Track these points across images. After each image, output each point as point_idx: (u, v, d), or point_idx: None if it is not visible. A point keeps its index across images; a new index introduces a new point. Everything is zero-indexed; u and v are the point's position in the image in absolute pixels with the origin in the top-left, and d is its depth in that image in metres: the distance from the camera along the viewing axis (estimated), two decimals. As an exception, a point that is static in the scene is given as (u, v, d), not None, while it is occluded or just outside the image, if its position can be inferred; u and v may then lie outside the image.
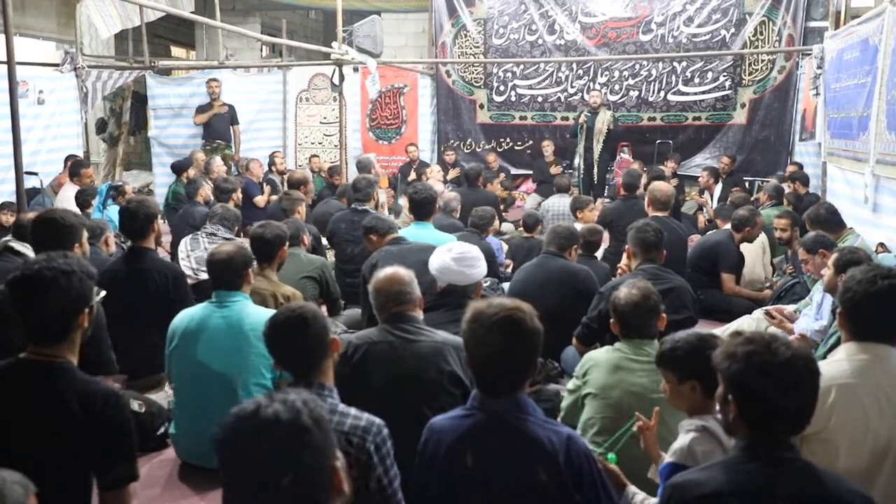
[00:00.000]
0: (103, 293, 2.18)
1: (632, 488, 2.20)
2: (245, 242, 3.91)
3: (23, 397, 1.96)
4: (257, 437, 1.25)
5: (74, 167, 6.91)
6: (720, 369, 1.68)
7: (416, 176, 9.81)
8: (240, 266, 3.14)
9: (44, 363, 1.99)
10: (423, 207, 4.87)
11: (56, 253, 2.07)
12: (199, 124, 9.18)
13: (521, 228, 6.57)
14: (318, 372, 2.15)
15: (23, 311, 1.99)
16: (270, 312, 3.18)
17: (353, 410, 2.09)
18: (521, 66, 10.86)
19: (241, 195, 6.39)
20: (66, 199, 6.34)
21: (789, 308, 4.42)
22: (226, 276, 3.13)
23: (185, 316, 3.17)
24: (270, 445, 1.25)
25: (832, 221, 4.61)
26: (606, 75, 10.61)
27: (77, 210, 5.93)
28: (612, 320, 2.82)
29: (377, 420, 2.08)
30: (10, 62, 4.21)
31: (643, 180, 7.26)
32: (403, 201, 7.06)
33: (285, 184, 7.57)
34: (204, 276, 4.47)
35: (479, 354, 1.95)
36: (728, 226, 5.54)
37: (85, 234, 3.37)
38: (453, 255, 3.27)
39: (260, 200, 7.66)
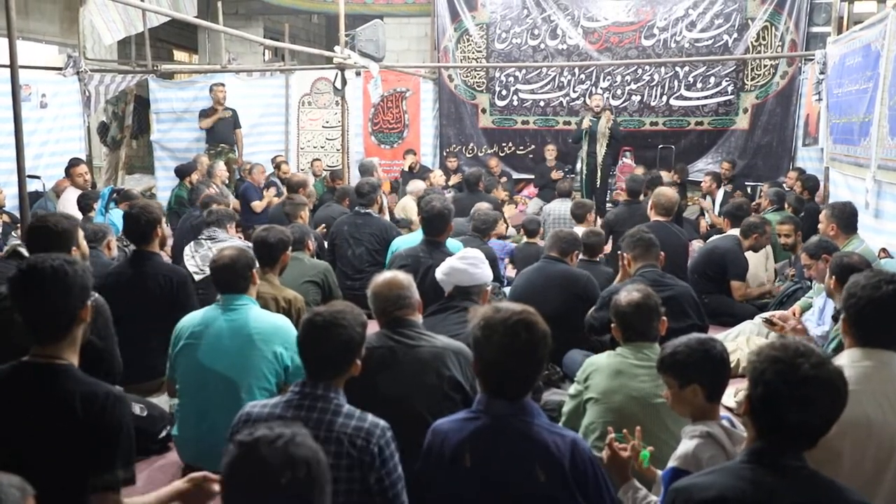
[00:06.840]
0: (96, 295, 2.18)
1: (635, 482, 2.19)
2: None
3: (27, 400, 1.96)
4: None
5: (67, 165, 6.94)
6: (748, 363, 1.70)
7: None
8: (244, 268, 3.14)
9: (46, 366, 1.99)
10: (430, 223, 4.41)
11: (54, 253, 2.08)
12: (205, 128, 9.18)
13: (523, 234, 6.56)
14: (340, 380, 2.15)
15: (26, 306, 1.98)
16: (277, 316, 3.20)
17: (357, 412, 2.08)
18: (524, 71, 10.86)
19: (237, 201, 6.40)
20: (68, 203, 6.35)
21: (796, 306, 4.43)
22: (231, 279, 3.12)
23: (191, 318, 3.16)
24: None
25: (851, 222, 4.56)
26: (609, 80, 10.60)
27: (79, 214, 5.95)
28: (613, 325, 2.82)
29: (381, 422, 2.07)
30: (13, 66, 4.21)
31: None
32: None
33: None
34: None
35: (488, 358, 1.96)
36: (735, 231, 5.45)
37: (81, 235, 3.36)
38: (458, 256, 3.42)
39: (258, 206, 7.64)
